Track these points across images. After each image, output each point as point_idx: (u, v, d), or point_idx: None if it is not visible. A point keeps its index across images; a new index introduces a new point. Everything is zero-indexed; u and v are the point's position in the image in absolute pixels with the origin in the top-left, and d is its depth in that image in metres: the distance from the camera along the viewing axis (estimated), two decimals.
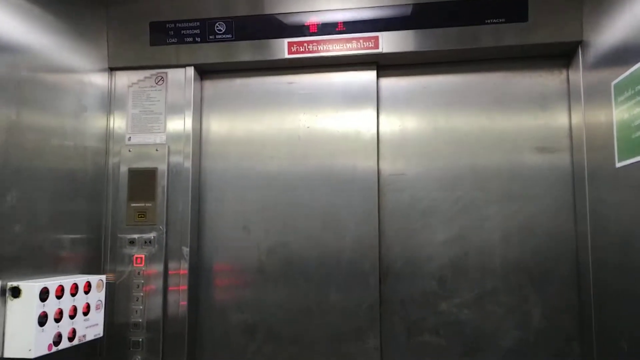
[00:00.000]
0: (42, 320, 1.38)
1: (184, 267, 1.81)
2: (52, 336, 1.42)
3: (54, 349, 1.42)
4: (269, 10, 1.81)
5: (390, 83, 1.88)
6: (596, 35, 1.55)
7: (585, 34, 1.63)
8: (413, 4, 1.74)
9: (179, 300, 1.80)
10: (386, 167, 1.85)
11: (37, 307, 1.37)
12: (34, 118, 1.51)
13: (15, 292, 1.35)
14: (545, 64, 1.78)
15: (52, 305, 1.42)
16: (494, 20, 1.69)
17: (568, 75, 1.76)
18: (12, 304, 1.35)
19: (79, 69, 1.74)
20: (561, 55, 1.75)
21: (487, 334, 1.74)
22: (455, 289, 1.77)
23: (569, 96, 1.76)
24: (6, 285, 1.36)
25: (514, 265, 1.74)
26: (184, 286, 1.81)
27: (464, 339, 1.75)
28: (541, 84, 1.79)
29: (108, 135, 1.89)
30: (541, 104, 1.78)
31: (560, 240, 1.73)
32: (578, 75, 1.68)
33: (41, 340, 1.38)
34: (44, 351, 1.39)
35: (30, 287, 1.36)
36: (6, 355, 1.34)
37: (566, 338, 1.70)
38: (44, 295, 1.39)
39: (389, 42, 1.76)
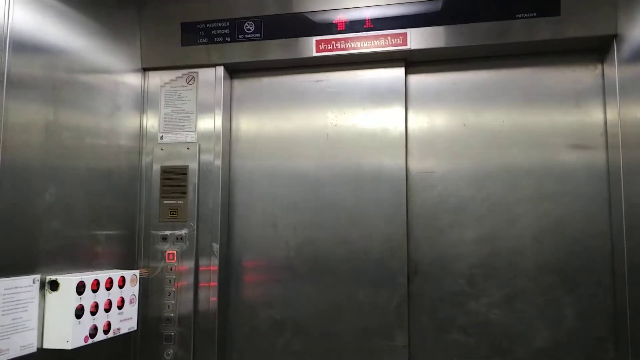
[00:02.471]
0: (79, 312, 1.43)
1: (214, 264, 1.84)
2: (88, 328, 1.47)
3: (90, 340, 1.47)
4: (298, 8, 1.83)
5: (419, 80, 1.87)
6: (631, 28, 1.50)
7: (620, 27, 1.58)
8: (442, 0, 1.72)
9: (210, 296, 1.83)
10: (414, 164, 1.84)
11: (74, 300, 1.41)
12: (71, 118, 1.56)
13: (54, 286, 1.40)
14: (578, 58, 1.74)
15: (88, 299, 1.47)
16: (525, 15, 1.65)
17: (603, 70, 1.72)
18: (51, 297, 1.40)
19: (114, 69, 1.79)
20: (595, 49, 1.71)
21: (517, 334, 1.71)
22: (485, 288, 1.75)
23: (604, 92, 1.71)
24: (45, 278, 1.41)
25: (545, 265, 1.71)
26: (214, 282, 1.84)
27: (494, 339, 1.73)
28: (574, 79, 1.74)
29: (141, 134, 1.93)
30: (575, 100, 1.74)
31: (594, 240, 1.68)
32: (613, 70, 1.63)
33: (78, 332, 1.42)
34: (81, 343, 1.43)
35: (68, 280, 1.41)
36: (45, 346, 1.38)
37: (599, 340, 1.66)
38: (80, 289, 1.43)
39: (417, 39, 1.75)
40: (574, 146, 1.73)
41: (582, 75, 1.74)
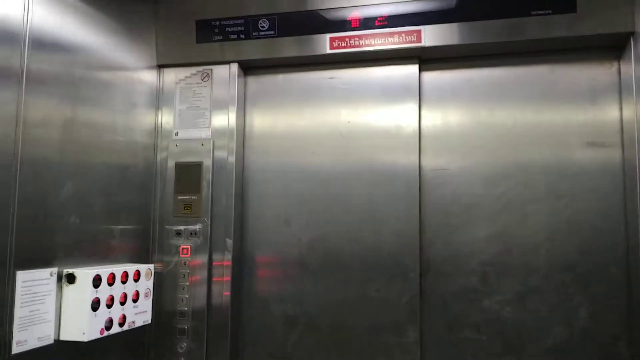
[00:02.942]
0: (95, 305, 1.45)
1: (227, 259, 1.86)
2: (104, 321, 1.49)
3: (106, 333, 1.49)
4: (311, 6, 1.83)
5: (433, 77, 1.86)
6: None
7: (637, 24, 1.56)
8: None
9: (223, 291, 1.85)
10: (428, 162, 1.84)
11: (91, 293, 1.44)
12: (88, 114, 1.58)
13: (71, 279, 1.43)
14: (594, 56, 1.72)
15: (104, 292, 1.49)
16: (541, 12, 1.64)
17: (619, 68, 1.70)
18: (68, 289, 1.43)
19: (130, 66, 1.81)
20: (612, 47, 1.69)
21: (530, 332, 1.71)
22: (498, 285, 1.74)
23: (620, 89, 1.69)
24: (62, 272, 1.43)
25: (559, 263, 1.70)
26: (227, 277, 1.86)
27: (506, 337, 1.73)
28: (590, 76, 1.72)
29: (156, 131, 1.95)
30: (590, 98, 1.72)
31: (609, 238, 1.67)
32: (630, 68, 1.61)
33: (94, 325, 1.45)
34: (97, 335, 1.46)
35: (85, 273, 1.44)
36: (62, 338, 1.41)
37: (613, 338, 1.65)
38: (96, 282, 1.46)
39: (431, 36, 1.74)
40: (589, 144, 1.71)
41: (598, 73, 1.72)
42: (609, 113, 1.70)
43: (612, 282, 1.66)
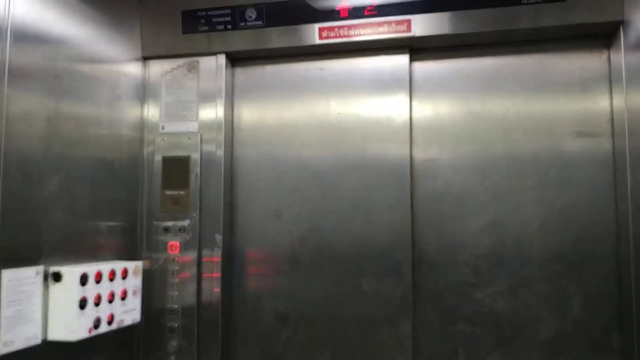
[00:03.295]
0: (83, 304, 1.42)
1: (217, 255, 1.83)
2: (92, 320, 1.46)
3: (94, 332, 1.46)
4: None
5: (423, 67, 1.85)
6: (638, 14, 1.49)
7: (626, 13, 1.56)
8: None
9: (213, 287, 1.82)
10: (419, 153, 1.83)
11: (78, 292, 1.40)
12: (72, 108, 1.54)
13: (57, 277, 1.39)
14: (584, 45, 1.72)
15: (91, 290, 1.46)
16: (531, 1, 1.64)
17: (609, 57, 1.70)
18: (54, 288, 1.39)
19: (114, 59, 1.77)
20: (601, 35, 1.69)
21: (523, 323, 1.71)
22: (490, 277, 1.74)
23: (610, 78, 1.69)
24: (48, 270, 1.40)
25: (551, 253, 1.70)
26: (217, 273, 1.83)
27: (499, 329, 1.73)
28: (581, 66, 1.73)
29: (142, 124, 1.91)
30: (581, 87, 1.72)
31: (600, 228, 1.68)
32: (620, 57, 1.61)
33: (82, 324, 1.42)
34: (85, 334, 1.43)
35: (71, 272, 1.40)
36: (49, 337, 1.38)
37: (605, 329, 1.66)
38: (83, 280, 1.42)
39: (421, 25, 1.72)
40: (580, 134, 1.71)
41: (588, 62, 1.72)
42: (599, 102, 1.71)
43: (604, 273, 1.66)
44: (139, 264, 1.70)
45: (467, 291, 1.75)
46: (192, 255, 1.83)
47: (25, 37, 1.36)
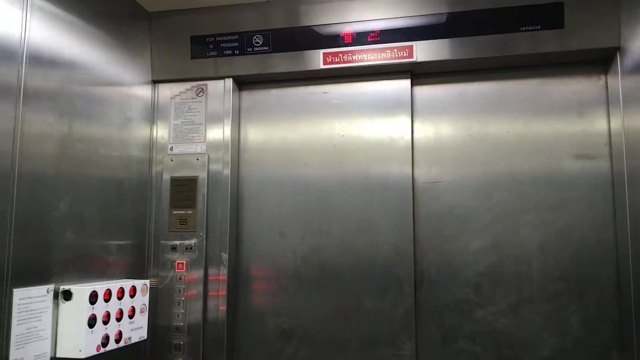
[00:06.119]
0: (92, 322, 1.45)
1: (223, 273, 1.86)
2: (101, 337, 1.49)
3: (102, 349, 1.49)
4: (305, 22, 1.86)
5: (425, 91, 1.90)
6: (634, 40, 1.53)
7: (622, 39, 1.61)
8: (447, 13, 1.75)
9: (219, 305, 1.85)
10: (421, 174, 1.86)
11: (87, 310, 1.43)
12: (84, 129, 1.59)
13: (67, 295, 1.42)
14: (582, 70, 1.76)
15: (100, 308, 1.49)
16: (530, 28, 1.68)
17: (606, 82, 1.74)
18: (64, 306, 1.42)
19: (125, 82, 1.82)
20: (599, 61, 1.74)
21: (524, 342, 1.72)
22: (491, 296, 1.76)
23: (608, 102, 1.73)
24: (58, 288, 1.43)
25: (551, 273, 1.73)
26: (223, 291, 1.85)
27: (500, 347, 1.74)
28: (578, 90, 1.77)
29: (151, 145, 1.96)
30: (579, 111, 1.76)
31: (599, 248, 1.70)
32: (616, 81, 1.66)
33: (91, 341, 1.44)
34: (93, 352, 1.45)
35: (81, 290, 1.43)
36: (58, 355, 1.40)
37: (605, 347, 1.67)
38: (93, 298, 1.45)
39: (423, 51, 1.77)
40: (578, 156, 1.75)
41: (585, 87, 1.76)
42: (597, 125, 1.75)
43: (604, 292, 1.69)
44: (146, 282, 1.73)
45: (468, 310, 1.78)
46: (198, 274, 1.86)
47: (39, 60, 1.41)
